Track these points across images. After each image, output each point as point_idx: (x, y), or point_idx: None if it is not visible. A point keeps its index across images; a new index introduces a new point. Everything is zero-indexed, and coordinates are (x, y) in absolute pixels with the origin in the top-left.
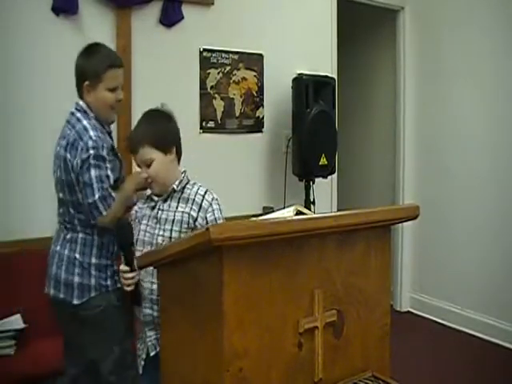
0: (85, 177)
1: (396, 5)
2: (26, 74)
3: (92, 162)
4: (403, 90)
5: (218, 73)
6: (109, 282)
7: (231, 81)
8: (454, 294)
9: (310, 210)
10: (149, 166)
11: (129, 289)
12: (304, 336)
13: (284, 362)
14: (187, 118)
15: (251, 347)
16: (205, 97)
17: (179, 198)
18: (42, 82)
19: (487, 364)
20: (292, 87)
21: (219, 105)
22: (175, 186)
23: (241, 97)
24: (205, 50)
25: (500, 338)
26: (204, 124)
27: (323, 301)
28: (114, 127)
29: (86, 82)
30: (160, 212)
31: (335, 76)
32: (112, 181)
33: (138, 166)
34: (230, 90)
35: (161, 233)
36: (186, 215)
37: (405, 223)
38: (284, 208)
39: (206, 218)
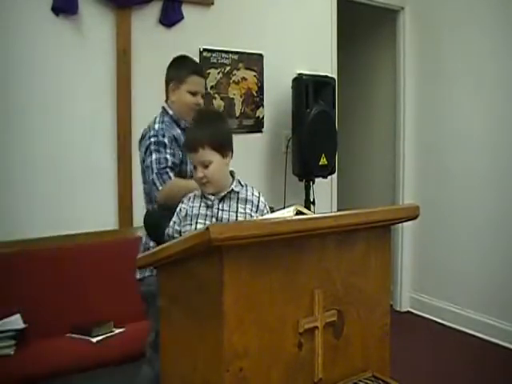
0: (147, 161)
1: (396, 5)
2: (26, 74)
3: (152, 147)
4: (403, 89)
5: (218, 73)
6: None
7: (231, 81)
8: (454, 294)
9: (309, 209)
10: (206, 166)
11: None
12: (304, 336)
13: (284, 362)
14: None
15: (251, 347)
16: (205, 97)
17: (237, 199)
18: (42, 82)
19: (487, 364)
20: (292, 87)
21: (219, 105)
22: (234, 188)
23: (241, 97)
24: (205, 49)
25: (500, 338)
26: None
27: (323, 301)
28: (113, 127)
29: (171, 83)
30: (220, 212)
31: (335, 76)
32: (171, 163)
33: (194, 166)
34: (229, 90)
35: None
36: (248, 216)
37: (405, 223)
38: (284, 208)
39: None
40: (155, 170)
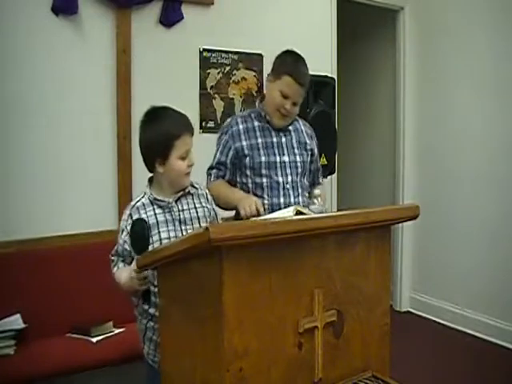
0: None
1: (396, 5)
2: (26, 74)
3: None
4: (403, 90)
5: (218, 73)
6: None
7: (231, 81)
8: (454, 294)
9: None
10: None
11: (142, 288)
12: (304, 336)
13: (284, 362)
14: None
15: (251, 347)
16: (205, 97)
17: (192, 195)
18: (42, 82)
19: (487, 364)
20: None
21: (219, 105)
22: (194, 184)
23: (240, 97)
24: (205, 49)
25: (500, 338)
26: (204, 124)
27: (323, 301)
28: (113, 127)
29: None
30: (181, 213)
31: (335, 76)
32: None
33: (183, 157)
34: (229, 90)
35: (190, 232)
36: (206, 209)
37: (405, 223)
38: (284, 208)
39: (213, 208)
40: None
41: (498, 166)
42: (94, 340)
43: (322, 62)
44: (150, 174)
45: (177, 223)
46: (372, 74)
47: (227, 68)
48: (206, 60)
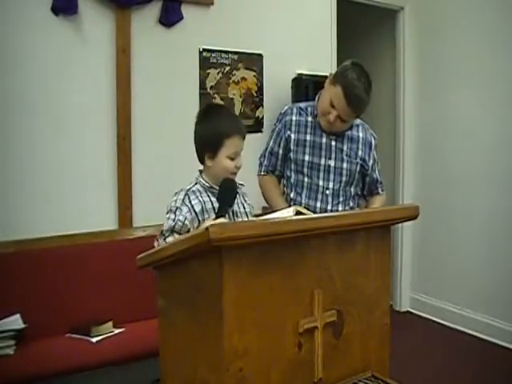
0: None
1: (396, 5)
2: (26, 74)
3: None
4: (403, 90)
5: (218, 73)
6: None
7: (231, 81)
8: (454, 294)
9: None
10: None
11: None
12: (304, 336)
13: (284, 362)
14: (187, 118)
15: (251, 347)
16: (204, 97)
17: (238, 192)
18: (42, 82)
19: (487, 364)
20: (292, 87)
21: None
22: (240, 182)
23: (240, 97)
24: (204, 49)
25: (500, 338)
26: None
27: (323, 301)
28: (113, 127)
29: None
30: (233, 205)
31: None
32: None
33: (232, 156)
34: (229, 90)
35: None
36: (249, 208)
37: (405, 223)
38: (284, 208)
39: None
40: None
41: (498, 165)
42: (94, 340)
43: (322, 61)
44: (150, 174)
45: (230, 214)
46: (372, 73)
47: (227, 68)
48: (206, 60)
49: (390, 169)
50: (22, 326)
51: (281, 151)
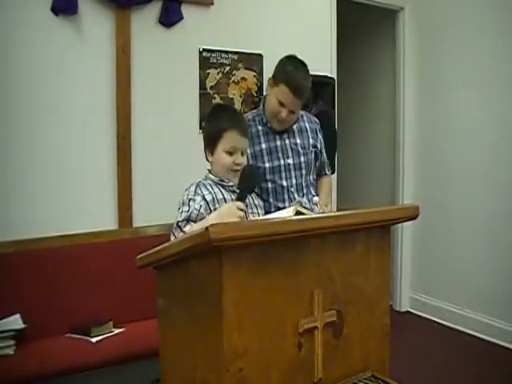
0: None
1: (396, 5)
2: (25, 74)
3: None
4: (403, 89)
5: (218, 73)
6: None
7: (231, 81)
8: (454, 294)
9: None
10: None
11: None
12: (304, 336)
13: (284, 362)
14: (187, 118)
15: (251, 347)
16: (204, 97)
17: None
18: (42, 82)
19: (487, 364)
20: None
21: None
22: None
23: (240, 97)
24: (204, 49)
25: (500, 338)
26: (204, 124)
27: (323, 301)
28: (113, 127)
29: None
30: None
31: (335, 76)
32: None
33: (232, 152)
34: (229, 90)
35: (251, 216)
36: (260, 200)
37: (405, 223)
38: (284, 208)
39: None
40: None
41: (498, 166)
42: (94, 340)
43: (322, 62)
44: (150, 174)
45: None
46: (372, 74)
47: (227, 68)
48: (206, 60)
49: (390, 169)
50: (22, 326)
51: None
